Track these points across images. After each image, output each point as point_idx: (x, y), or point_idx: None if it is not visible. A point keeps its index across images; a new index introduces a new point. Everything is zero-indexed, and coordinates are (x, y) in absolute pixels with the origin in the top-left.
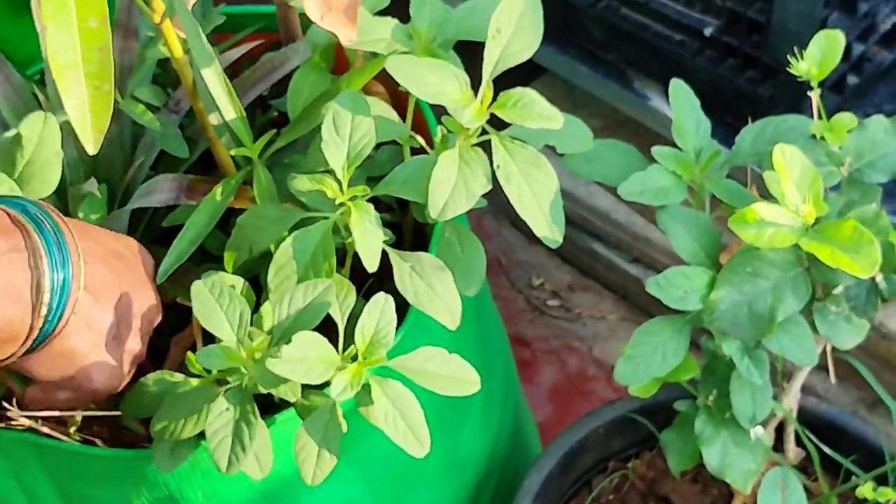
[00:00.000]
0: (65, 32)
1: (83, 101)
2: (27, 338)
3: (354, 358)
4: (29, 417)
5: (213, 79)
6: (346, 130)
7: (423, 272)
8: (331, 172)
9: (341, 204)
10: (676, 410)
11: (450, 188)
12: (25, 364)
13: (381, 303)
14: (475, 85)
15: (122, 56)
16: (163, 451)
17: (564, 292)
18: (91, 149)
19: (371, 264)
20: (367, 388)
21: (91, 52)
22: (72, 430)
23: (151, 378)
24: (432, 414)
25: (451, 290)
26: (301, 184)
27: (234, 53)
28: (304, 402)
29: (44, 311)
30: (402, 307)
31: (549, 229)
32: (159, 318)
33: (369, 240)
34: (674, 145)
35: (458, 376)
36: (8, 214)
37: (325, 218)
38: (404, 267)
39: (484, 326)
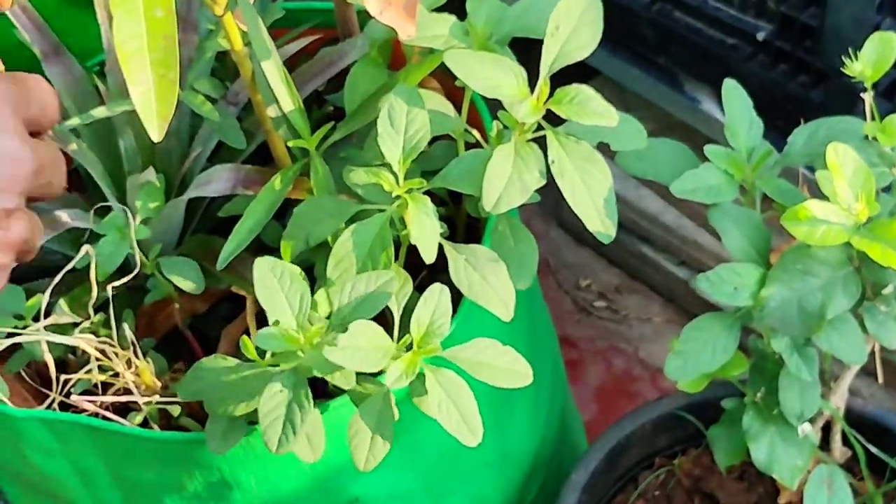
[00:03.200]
0: (131, 21)
1: (149, 89)
2: None
3: (409, 347)
4: (91, 402)
5: (273, 71)
6: (402, 124)
7: (477, 264)
8: (387, 166)
9: (397, 197)
10: (723, 408)
11: (504, 182)
12: None
13: (437, 293)
14: (531, 82)
15: (182, 48)
16: (215, 433)
17: (612, 294)
18: (156, 136)
19: (429, 256)
20: (420, 377)
21: (157, 40)
22: (137, 419)
23: (205, 362)
24: (483, 407)
25: (505, 282)
26: (358, 177)
27: (293, 48)
28: (358, 388)
29: None
30: (455, 300)
31: (601, 224)
32: (29, 168)
33: (426, 232)
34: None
35: (511, 368)
36: None
37: (381, 210)
38: (459, 259)
39: (534, 322)
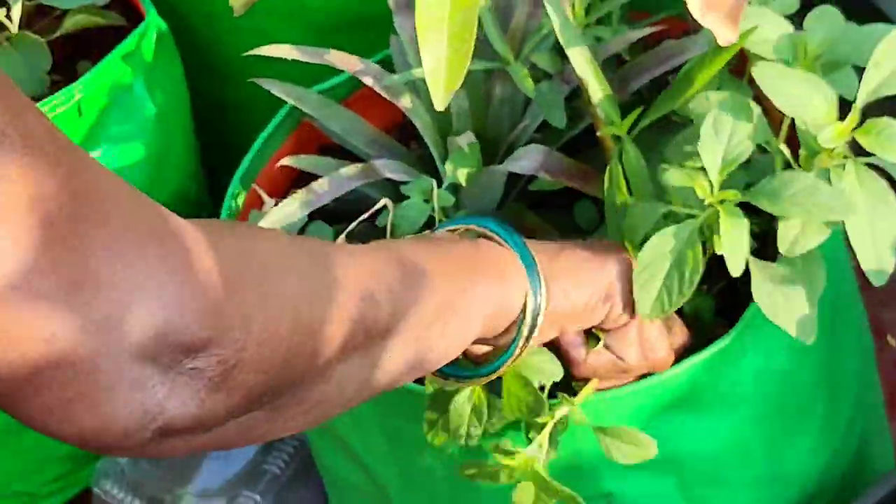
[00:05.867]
0: None
1: (440, 61)
2: None
3: None
4: None
5: (579, 58)
6: (726, 133)
7: (780, 284)
8: (703, 171)
9: (709, 205)
10: None
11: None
12: None
13: None
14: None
15: (529, 21)
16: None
17: None
18: (439, 105)
19: (735, 269)
20: None
21: (457, 14)
22: None
23: None
24: (756, 421)
25: (807, 306)
26: (672, 177)
27: (635, 35)
28: None
29: None
30: None
31: (876, 265)
32: None
33: (736, 246)
34: None
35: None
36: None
37: (690, 216)
38: (764, 276)
39: (837, 337)
